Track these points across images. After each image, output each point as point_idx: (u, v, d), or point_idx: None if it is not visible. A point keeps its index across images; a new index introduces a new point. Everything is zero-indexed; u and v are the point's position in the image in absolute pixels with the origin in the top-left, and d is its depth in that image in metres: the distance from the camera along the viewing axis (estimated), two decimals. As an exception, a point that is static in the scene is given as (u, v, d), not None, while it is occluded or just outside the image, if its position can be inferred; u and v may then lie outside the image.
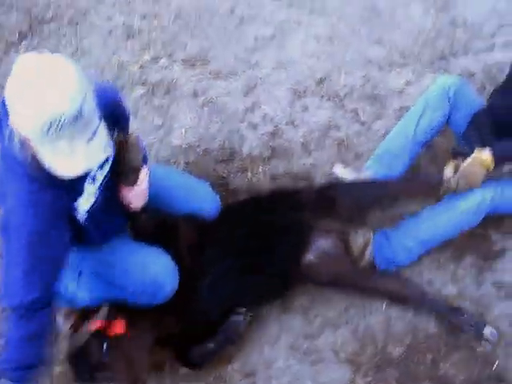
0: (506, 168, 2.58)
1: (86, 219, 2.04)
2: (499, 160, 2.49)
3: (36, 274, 1.88)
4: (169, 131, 3.40)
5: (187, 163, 3.20)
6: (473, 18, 4.08)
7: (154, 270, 2.24)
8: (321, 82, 3.60)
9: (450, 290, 2.61)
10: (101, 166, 2.03)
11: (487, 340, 2.35)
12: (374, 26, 3.99)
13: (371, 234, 2.51)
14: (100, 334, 2.21)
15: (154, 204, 2.41)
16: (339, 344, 2.47)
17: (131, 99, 3.59)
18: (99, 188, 2.06)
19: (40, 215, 1.83)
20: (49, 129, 1.58)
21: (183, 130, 3.39)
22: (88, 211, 2.03)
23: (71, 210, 1.97)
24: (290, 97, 3.53)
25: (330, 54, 3.77)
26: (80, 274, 2.30)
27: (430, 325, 2.50)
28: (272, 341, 2.51)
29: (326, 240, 2.52)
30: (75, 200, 1.96)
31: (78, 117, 1.61)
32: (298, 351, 2.46)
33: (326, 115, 3.40)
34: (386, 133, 3.24)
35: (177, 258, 2.35)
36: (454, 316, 2.41)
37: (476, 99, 2.88)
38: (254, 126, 3.38)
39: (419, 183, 2.67)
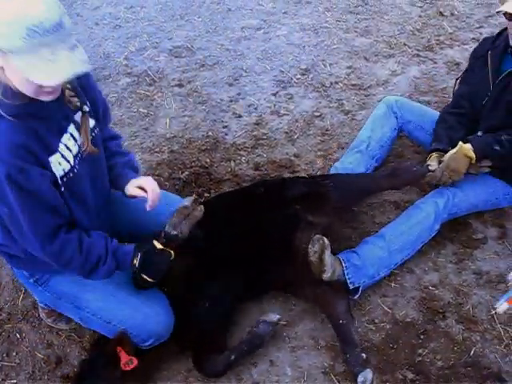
0: (484, 163, 2.61)
1: (63, 185, 1.93)
2: (480, 153, 2.54)
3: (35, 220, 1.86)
4: (154, 120, 3.41)
5: (171, 152, 3.20)
6: (460, 8, 4.09)
7: (151, 326, 2.18)
8: (306, 72, 3.61)
9: (431, 277, 2.61)
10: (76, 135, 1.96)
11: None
12: (360, 15, 4.00)
13: (325, 239, 2.43)
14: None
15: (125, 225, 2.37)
16: (318, 331, 2.47)
17: (117, 89, 3.60)
18: (76, 158, 1.96)
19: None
20: (33, 33, 1.55)
21: (168, 120, 3.40)
22: (63, 178, 1.92)
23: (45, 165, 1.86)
24: (275, 87, 3.54)
25: (315, 45, 3.79)
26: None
27: (408, 313, 2.50)
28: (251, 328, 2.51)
29: (311, 234, 2.51)
30: (47, 155, 1.86)
31: (60, 25, 1.58)
32: (277, 338, 2.46)
33: (310, 105, 3.41)
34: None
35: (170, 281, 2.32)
36: (345, 351, 2.35)
37: (422, 108, 3.01)
38: (239, 116, 3.38)
39: (405, 176, 2.67)
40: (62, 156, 1.91)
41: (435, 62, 3.65)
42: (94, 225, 2.12)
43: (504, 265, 2.65)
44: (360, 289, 2.51)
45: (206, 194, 2.96)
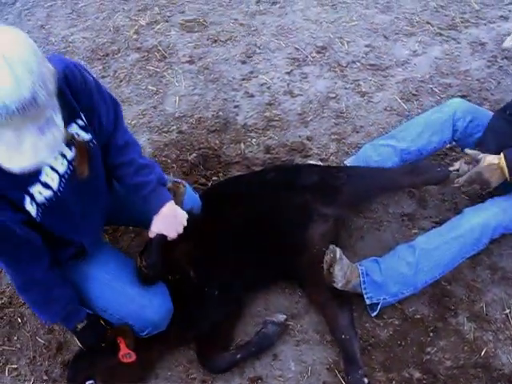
0: None
1: (41, 213, 1.81)
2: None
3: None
4: (163, 98, 3.31)
5: (180, 132, 3.10)
6: (488, -16, 3.89)
7: (147, 315, 2.13)
8: (322, 50, 3.47)
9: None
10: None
11: None
12: (381, -10, 3.83)
13: (339, 251, 2.29)
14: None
15: (134, 216, 2.27)
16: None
17: (125, 65, 3.50)
18: (62, 178, 1.82)
19: None
20: None
21: (177, 98, 3.29)
22: (44, 204, 1.80)
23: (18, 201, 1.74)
24: (289, 65, 3.41)
25: (333, 21, 3.64)
26: None
27: (418, 309, 2.42)
28: (257, 320, 2.44)
29: (323, 227, 2.43)
30: (23, 188, 1.73)
31: (30, 103, 1.39)
32: (282, 332, 2.40)
33: (325, 85, 3.28)
34: (387, 106, 3.14)
35: (176, 269, 2.26)
36: (347, 371, 2.23)
37: (482, 118, 2.57)
38: (251, 96, 3.27)
39: (427, 176, 2.52)
40: (44, 185, 1.78)
41: (459, 42, 3.49)
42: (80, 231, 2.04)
43: (521, 261, 2.55)
44: (379, 306, 2.34)
45: (214, 178, 2.87)
